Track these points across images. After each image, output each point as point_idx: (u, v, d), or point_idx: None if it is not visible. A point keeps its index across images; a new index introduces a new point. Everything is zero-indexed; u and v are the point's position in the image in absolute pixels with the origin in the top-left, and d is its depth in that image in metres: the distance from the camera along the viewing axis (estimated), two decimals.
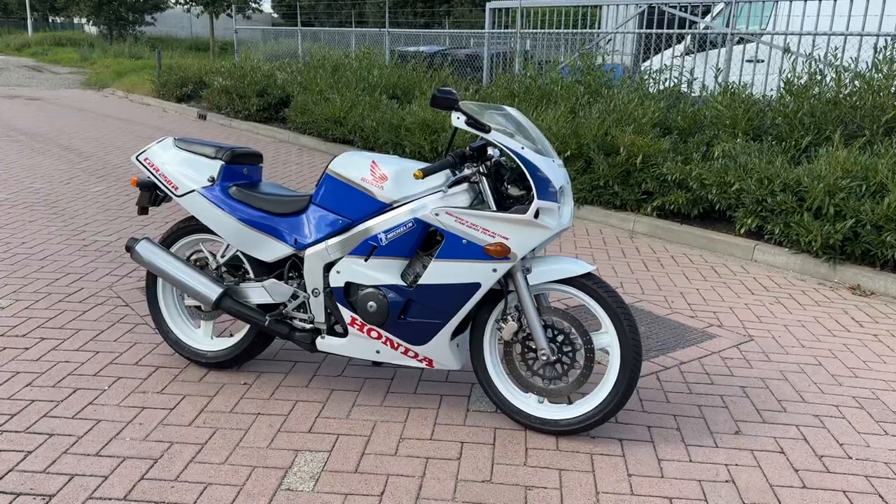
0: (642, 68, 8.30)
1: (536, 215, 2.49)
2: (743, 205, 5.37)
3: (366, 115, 8.70)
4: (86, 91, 16.92)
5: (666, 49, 8.37)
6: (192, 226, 3.15)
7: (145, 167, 3.11)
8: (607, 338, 2.63)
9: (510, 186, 2.63)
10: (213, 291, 2.96)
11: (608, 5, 9.22)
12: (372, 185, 2.71)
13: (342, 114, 9.11)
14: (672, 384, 3.21)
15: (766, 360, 3.51)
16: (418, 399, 3.01)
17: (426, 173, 2.50)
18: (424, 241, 2.74)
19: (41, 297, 4.01)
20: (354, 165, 2.77)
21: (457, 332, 2.81)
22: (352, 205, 2.75)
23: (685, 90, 7.50)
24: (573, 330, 2.64)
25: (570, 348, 2.65)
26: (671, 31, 8.16)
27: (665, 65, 7.82)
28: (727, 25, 7.64)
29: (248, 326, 3.11)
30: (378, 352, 2.80)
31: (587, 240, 5.59)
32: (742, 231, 5.36)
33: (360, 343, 2.81)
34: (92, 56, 24.59)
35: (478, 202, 2.63)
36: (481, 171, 2.58)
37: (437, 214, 2.59)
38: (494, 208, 2.57)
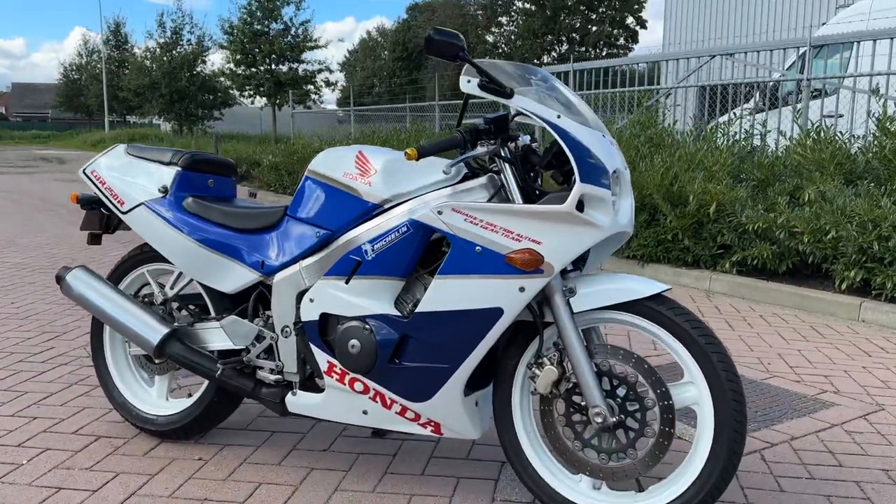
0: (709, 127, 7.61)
1: (580, 207, 1.73)
2: (843, 255, 4.45)
3: None
4: None
5: (733, 108, 7.65)
6: (146, 254, 2.50)
7: (92, 181, 2.50)
8: (693, 390, 1.79)
9: (545, 175, 1.89)
10: (156, 333, 2.25)
11: (668, 60, 8.61)
12: (357, 182, 2.01)
13: None
14: (784, 466, 2.30)
15: None
16: (425, 483, 2.18)
17: (423, 153, 1.78)
18: (428, 254, 1.99)
19: (2, 356, 3.41)
20: (337, 160, 2.08)
21: (477, 386, 2.02)
22: (333, 210, 2.05)
23: (758, 143, 6.72)
24: (640, 378, 1.80)
25: (636, 406, 1.80)
26: (738, 80, 7.46)
27: (733, 119, 7.06)
28: (801, 72, 6.88)
29: (206, 383, 2.38)
30: (366, 412, 2.01)
31: None
32: (844, 287, 4.43)
33: (341, 399, 2.03)
34: None
35: (499, 200, 1.89)
36: (502, 153, 1.85)
37: (440, 213, 1.84)
38: (521, 202, 1.82)
